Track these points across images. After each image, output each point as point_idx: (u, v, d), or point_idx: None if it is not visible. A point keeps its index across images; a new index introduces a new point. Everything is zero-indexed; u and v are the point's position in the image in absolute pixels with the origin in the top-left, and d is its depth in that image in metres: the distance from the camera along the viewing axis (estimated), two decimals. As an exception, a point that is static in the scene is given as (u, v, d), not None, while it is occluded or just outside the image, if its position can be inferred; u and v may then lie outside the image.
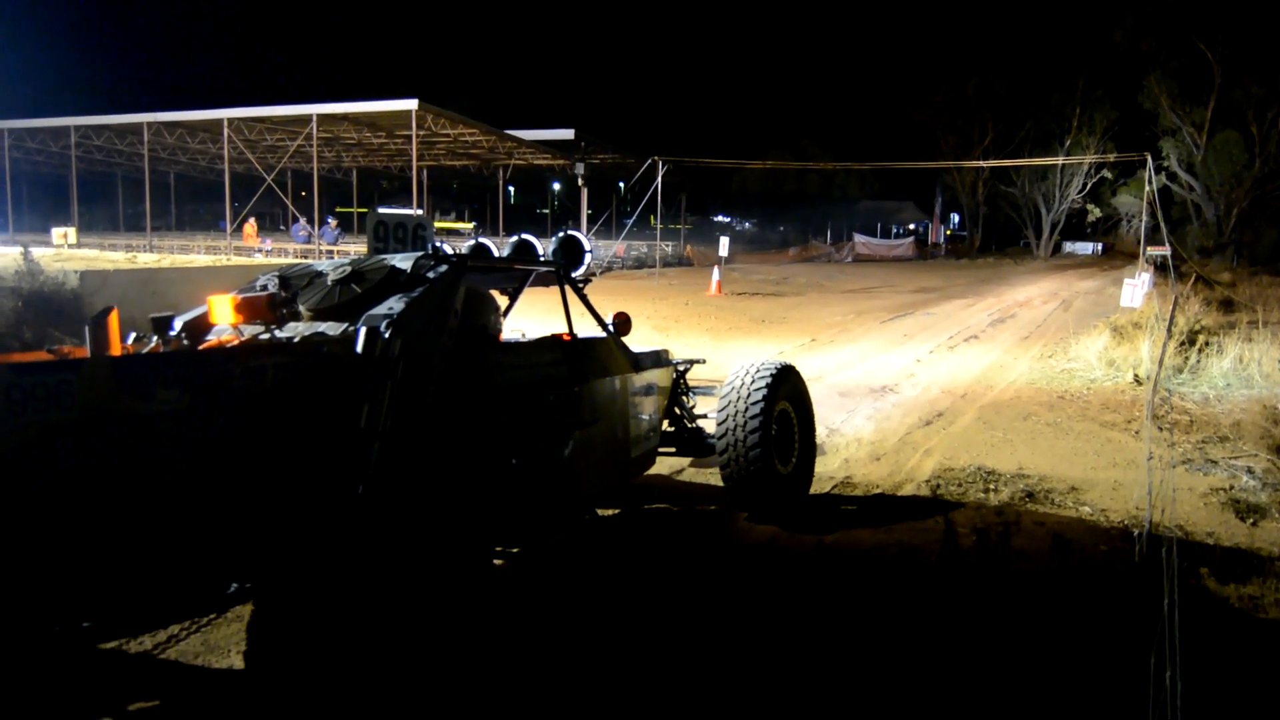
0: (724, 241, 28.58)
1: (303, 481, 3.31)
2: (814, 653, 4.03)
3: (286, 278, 4.24)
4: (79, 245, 34.18)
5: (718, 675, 3.82)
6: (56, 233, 34.90)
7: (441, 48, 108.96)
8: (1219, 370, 11.58)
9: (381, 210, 4.98)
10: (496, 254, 5.55)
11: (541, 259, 5.52)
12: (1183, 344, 12.87)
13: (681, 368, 6.43)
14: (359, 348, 3.54)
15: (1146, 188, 25.91)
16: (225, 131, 31.65)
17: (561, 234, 5.78)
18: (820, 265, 43.65)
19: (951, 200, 67.14)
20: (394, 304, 3.82)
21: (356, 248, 32.20)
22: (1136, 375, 11.40)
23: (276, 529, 3.29)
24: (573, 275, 5.48)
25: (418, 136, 30.45)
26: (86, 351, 3.62)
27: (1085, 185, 59.22)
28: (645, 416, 5.74)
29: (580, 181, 35.00)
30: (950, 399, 10.65)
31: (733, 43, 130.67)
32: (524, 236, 5.66)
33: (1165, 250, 26.17)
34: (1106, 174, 57.07)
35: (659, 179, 29.30)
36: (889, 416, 9.55)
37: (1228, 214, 46.88)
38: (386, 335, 3.58)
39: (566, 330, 5.21)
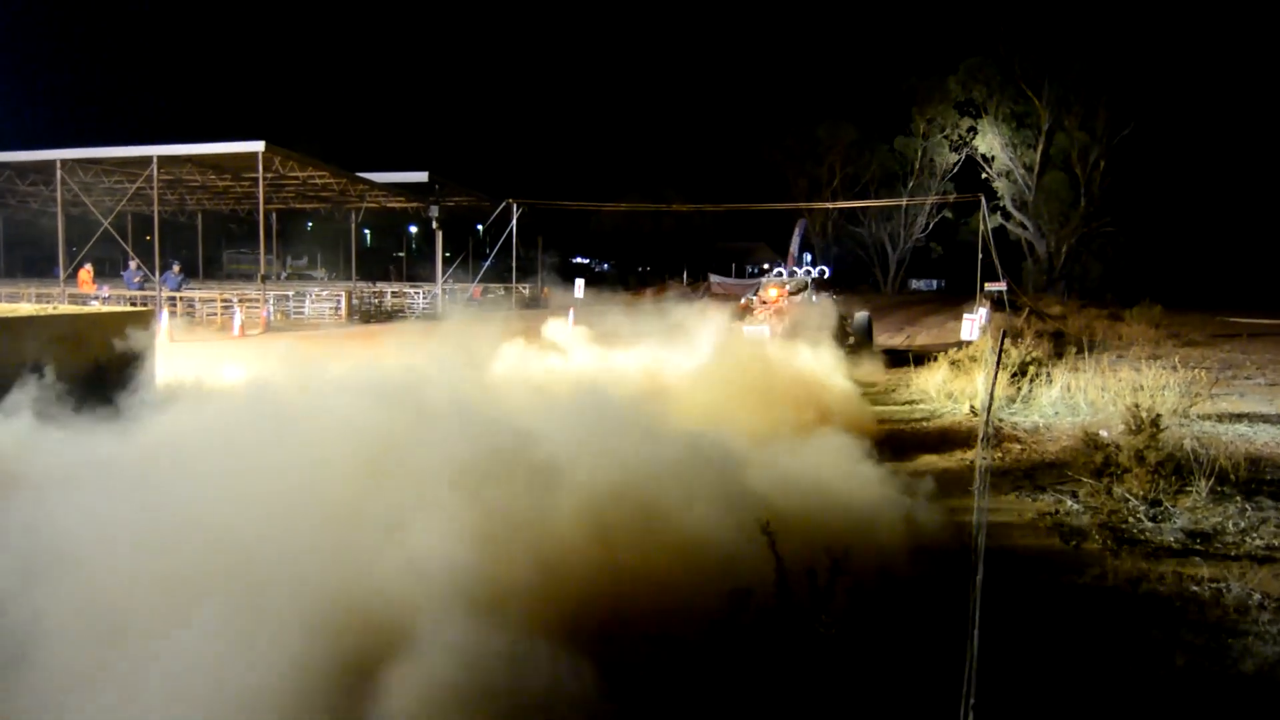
0: (579, 283, 28.63)
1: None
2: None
3: (773, 286, 18.88)
4: (-109, 294, 31.88)
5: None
6: None
7: (292, 88, 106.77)
8: (1048, 399, 12.14)
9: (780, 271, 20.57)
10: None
11: (814, 274, 20.59)
12: (1015, 375, 13.43)
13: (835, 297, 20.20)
14: (814, 300, 18.97)
15: (981, 226, 27.14)
16: (58, 173, 30.15)
17: (820, 267, 21.64)
18: (676, 304, 43.58)
19: (804, 239, 69.03)
20: (813, 291, 19.52)
21: (201, 294, 31.07)
22: (973, 407, 11.84)
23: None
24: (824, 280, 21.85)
25: (265, 179, 29.66)
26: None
27: (928, 225, 61.89)
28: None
29: (435, 224, 34.61)
30: (798, 434, 10.83)
31: (588, 87, 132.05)
32: (808, 266, 21.19)
33: (1001, 286, 27.39)
34: (948, 214, 59.76)
35: (514, 221, 29.20)
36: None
37: (1058, 250, 49.66)
38: (815, 299, 18.97)
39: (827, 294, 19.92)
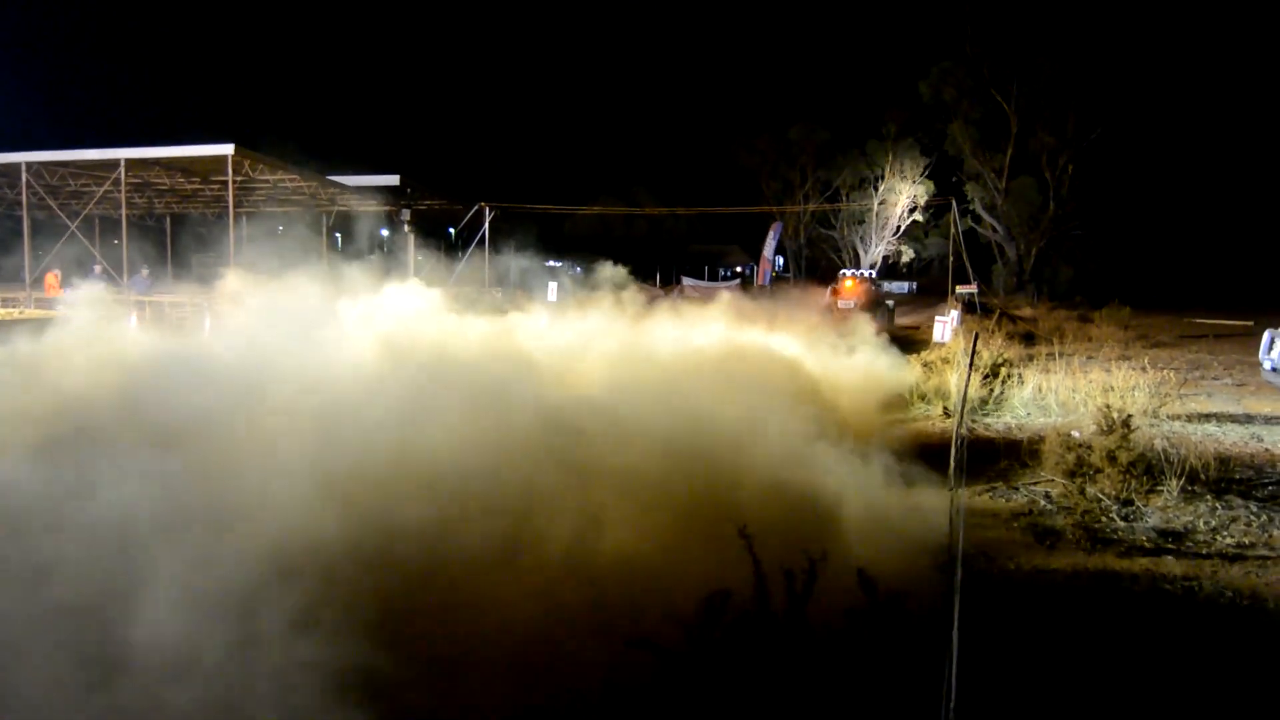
0: (552, 286, 28.60)
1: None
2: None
3: (850, 278, 32.57)
4: None
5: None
6: None
7: (264, 90, 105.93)
8: (1020, 400, 12.22)
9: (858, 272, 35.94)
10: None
11: (869, 274, 36.40)
12: (987, 377, 13.50)
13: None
14: (872, 287, 33.10)
15: (952, 229, 27.32)
16: (24, 176, 29.70)
17: (870, 269, 43.06)
18: (649, 306, 43.58)
19: (778, 242, 69.18)
20: (869, 282, 33.43)
21: (170, 298, 30.76)
22: (946, 408, 11.90)
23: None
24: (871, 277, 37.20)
25: (235, 182, 29.37)
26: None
27: (899, 228, 62.14)
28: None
29: (406, 228, 34.42)
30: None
31: (560, 91, 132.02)
32: (864, 269, 42.77)
33: (973, 288, 27.56)
34: (919, 217, 60.00)
35: (486, 224, 29.07)
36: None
37: (1028, 253, 49.97)
38: (872, 287, 32.41)
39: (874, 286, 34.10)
